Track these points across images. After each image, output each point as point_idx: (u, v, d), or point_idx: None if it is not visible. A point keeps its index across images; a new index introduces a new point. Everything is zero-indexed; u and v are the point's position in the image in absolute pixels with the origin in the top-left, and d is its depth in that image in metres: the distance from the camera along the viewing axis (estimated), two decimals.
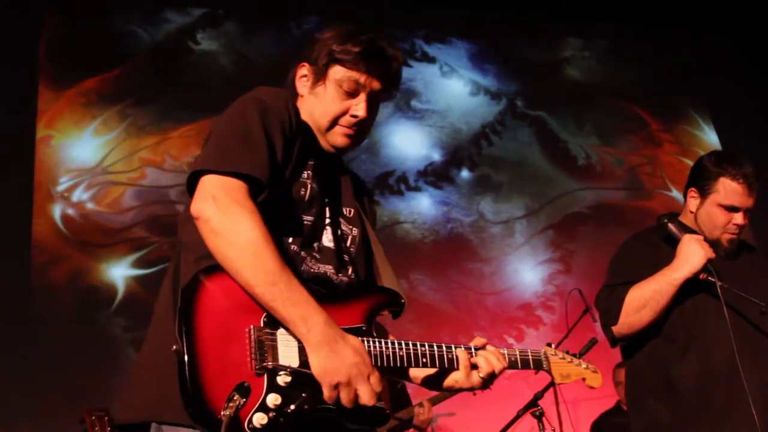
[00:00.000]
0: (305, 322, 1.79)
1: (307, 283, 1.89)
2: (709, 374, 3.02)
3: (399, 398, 5.42)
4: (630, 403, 3.30)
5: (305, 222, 2.03)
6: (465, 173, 7.54)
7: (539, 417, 4.73)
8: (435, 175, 7.43)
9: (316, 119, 2.13)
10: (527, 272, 7.29)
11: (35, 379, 5.42)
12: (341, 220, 2.18)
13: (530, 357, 2.28)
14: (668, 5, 8.30)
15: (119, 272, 6.15)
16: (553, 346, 2.40)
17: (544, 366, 2.32)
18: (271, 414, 1.73)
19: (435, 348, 2.08)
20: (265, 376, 1.75)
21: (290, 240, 2.00)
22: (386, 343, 1.99)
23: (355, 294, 2.06)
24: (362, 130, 2.18)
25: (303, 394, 1.78)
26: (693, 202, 3.26)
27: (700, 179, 3.22)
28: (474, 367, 2.13)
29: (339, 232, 2.14)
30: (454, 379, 2.14)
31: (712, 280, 2.97)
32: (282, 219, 1.97)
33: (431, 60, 7.95)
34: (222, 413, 1.62)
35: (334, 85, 2.11)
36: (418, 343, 2.05)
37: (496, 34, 8.21)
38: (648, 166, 8.08)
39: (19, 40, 6.56)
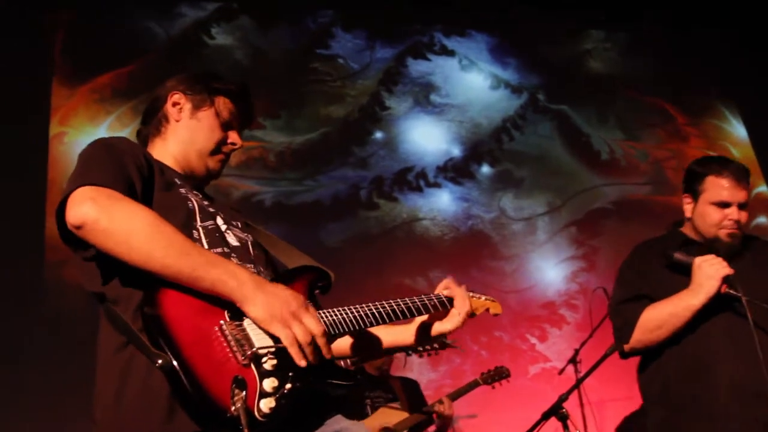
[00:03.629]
0: (233, 276, 1.83)
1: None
2: (715, 388, 3.05)
3: (414, 399, 5.39)
4: (642, 413, 3.37)
5: (207, 228, 2.07)
6: (486, 169, 7.48)
7: (564, 419, 4.66)
8: (455, 171, 7.38)
9: (199, 142, 2.30)
10: (550, 270, 7.23)
11: (48, 379, 5.39)
12: (233, 228, 2.23)
13: (443, 299, 2.36)
14: None
15: None
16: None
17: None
18: (275, 397, 1.76)
19: (393, 302, 2.22)
20: (252, 366, 1.78)
21: (206, 242, 2.03)
22: (340, 310, 2.08)
23: (284, 281, 2.05)
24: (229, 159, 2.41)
25: (290, 373, 1.81)
26: (688, 208, 3.36)
27: (690, 183, 3.34)
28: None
29: (237, 237, 2.20)
30: (437, 326, 2.33)
31: (735, 293, 3.03)
32: (181, 228, 1.96)
33: (450, 53, 7.89)
34: (233, 409, 1.68)
35: (214, 113, 2.32)
36: (371, 304, 2.17)
37: (517, 27, 8.13)
38: (673, 161, 7.97)
39: (33, 36, 6.54)
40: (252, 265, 2.10)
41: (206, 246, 2.01)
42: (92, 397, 1.90)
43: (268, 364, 1.79)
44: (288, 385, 1.79)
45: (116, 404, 1.81)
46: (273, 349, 1.81)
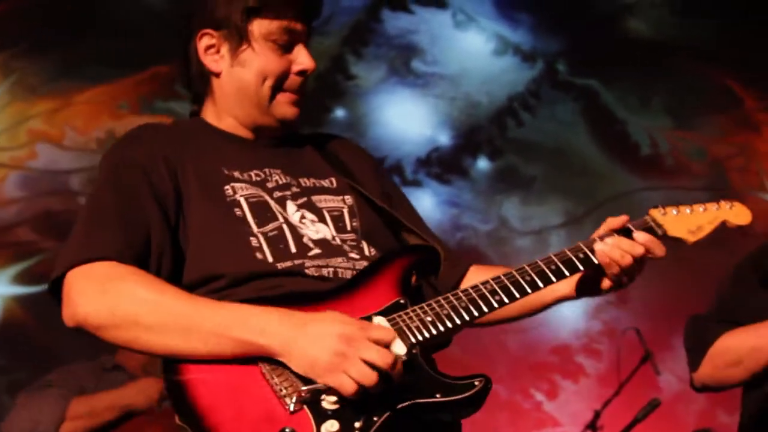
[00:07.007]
0: (256, 332, 1.94)
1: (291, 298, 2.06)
2: None
3: None
4: None
5: (268, 235, 2.18)
6: (483, 163, 7.55)
7: None
8: (441, 165, 7.43)
9: (252, 94, 2.31)
10: (565, 303, 7.18)
11: None
12: (317, 198, 2.33)
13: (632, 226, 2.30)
14: None
15: None
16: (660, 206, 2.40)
17: (658, 233, 2.32)
18: None
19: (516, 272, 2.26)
20: (306, 408, 1.88)
21: (269, 255, 2.16)
22: (434, 303, 2.09)
23: (370, 272, 2.19)
24: (305, 90, 2.39)
25: (359, 406, 1.88)
26: None
27: None
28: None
29: (323, 214, 2.30)
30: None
31: None
32: (237, 256, 2.14)
33: (441, 4, 7.81)
34: None
35: (262, 42, 2.29)
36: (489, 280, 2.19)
37: None
38: (739, 159, 7.95)
39: None
40: (343, 258, 2.22)
41: (270, 260, 2.14)
42: None
43: (327, 401, 1.88)
44: (357, 424, 1.85)
45: None
46: (330, 387, 1.90)
